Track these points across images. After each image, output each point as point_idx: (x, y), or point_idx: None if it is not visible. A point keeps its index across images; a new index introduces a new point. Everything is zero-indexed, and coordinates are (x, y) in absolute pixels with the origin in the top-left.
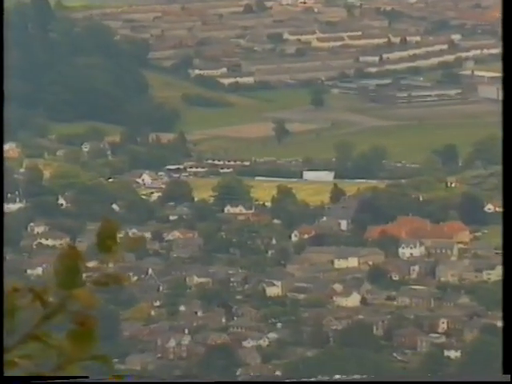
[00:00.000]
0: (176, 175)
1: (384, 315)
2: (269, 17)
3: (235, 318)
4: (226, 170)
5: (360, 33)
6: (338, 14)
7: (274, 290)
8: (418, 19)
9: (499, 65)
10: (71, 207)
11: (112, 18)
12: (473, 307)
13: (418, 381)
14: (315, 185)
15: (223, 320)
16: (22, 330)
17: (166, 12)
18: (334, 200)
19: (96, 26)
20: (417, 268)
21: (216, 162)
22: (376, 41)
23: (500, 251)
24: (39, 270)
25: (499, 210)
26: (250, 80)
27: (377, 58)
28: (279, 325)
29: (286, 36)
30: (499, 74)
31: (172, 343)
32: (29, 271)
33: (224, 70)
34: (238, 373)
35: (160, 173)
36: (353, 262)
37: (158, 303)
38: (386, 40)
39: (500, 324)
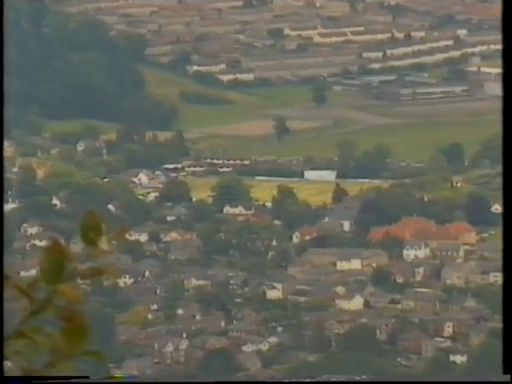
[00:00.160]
0: (173, 175)
1: (388, 319)
2: (269, 11)
3: (235, 322)
4: (225, 170)
5: (363, 28)
6: (340, 8)
7: (274, 293)
8: (423, 14)
9: None
10: (65, 208)
11: (107, 13)
12: (479, 310)
13: (418, 381)
14: (317, 184)
15: (222, 324)
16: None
17: (164, 6)
18: (336, 200)
19: (91, 21)
20: (421, 270)
21: (215, 161)
22: (379, 36)
23: None
24: (33, 272)
25: None
26: (249, 76)
27: (380, 54)
28: (280, 329)
29: (286, 31)
30: None
31: (169, 348)
32: (22, 273)
33: (223, 66)
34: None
35: (157, 172)
36: (356, 263)
37: (155, 306)
38: (389, 35)
39: None
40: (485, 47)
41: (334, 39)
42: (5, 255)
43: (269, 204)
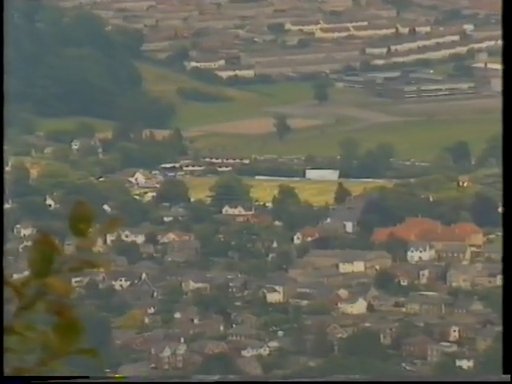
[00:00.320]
0: (171, 174)
1: (392, 323)
2: (270, 6)
3: (234, 326)
4: (224, 169)
5: (366, 23)
6: (342, 2)
7: (275, 296)
8: (429, 8)
9: None
10: (60, 208)
11: (103, 8)
12: (486, 314)
13: (418, 381)
14: (319, 184)
15: (221, 328)
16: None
17: (161, 1)
18: (338, 200)
19: (86, 16)
20: (427, 273)
21: (214, 160)
22: (383, 31)
23: None
24: (26, 275)
25: None
26: (249, 73)
27: (384, 50)
28: (281, 333)
29: (287, 26)
30: None
31: (167, 352)
32: (15, 276)
33: (222, 62)
34: None
35: (154, 171)
36: (359, 266)
37: (152, 310)
38: (393, 30)
39: None
40: (492, 43)
41: (336, 34)
42: None
43: (269, 204)
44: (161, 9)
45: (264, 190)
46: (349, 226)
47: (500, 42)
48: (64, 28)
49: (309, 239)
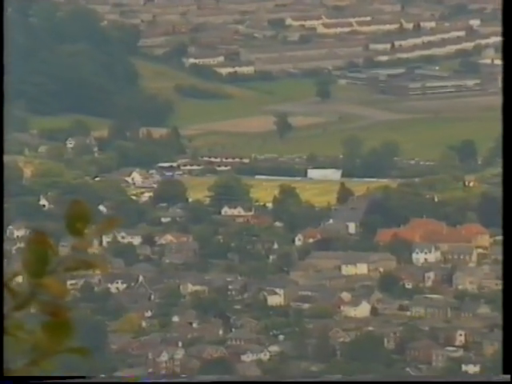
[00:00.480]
0: (169, 173)
1: (396, 327)
2: (270, 0)
3: (233, 330)
4: (223, 168)
5: (370, 18)
6: None
7: (275, 299)
8: (434, 3)
9: None
10: (54, 209)
11: (99, 2)
12: (493, 318)
13: (419, 381)
14: (321, 184)
15: (220, 332)
16: None
17: None
18: (341, 201)
19: (81, 11)
20: (432, 275)
21: (212, 159)
22: (387, 27)
23: None
24: (19, 278)
25: None
26: (249, 69)
27: (388, 46)
28: (281, 337)
29: (288, 21)
30: None
31: (164, 357)
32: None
33: (221, 58)
34: None
35: (151, 171)
36: (362, 268)
37: (149, 313)
38: (398, 26)
39: None
40: (499, 38)
41: (339, 30)
42: None
43: (270, 205)
44: (158, 3)
45: (264, 190)
46: (351, 227)
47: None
48: (58, 23)
49: (310, 240)
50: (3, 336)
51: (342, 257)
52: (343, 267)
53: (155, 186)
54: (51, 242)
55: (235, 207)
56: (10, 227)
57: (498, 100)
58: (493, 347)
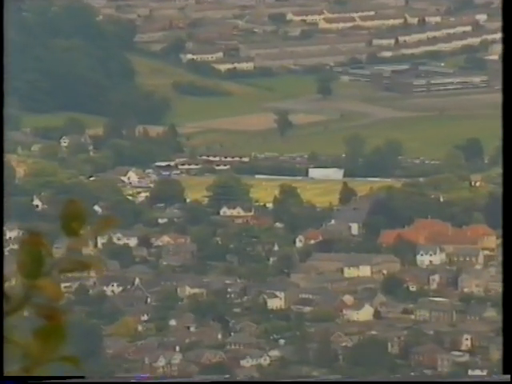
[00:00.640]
0: (166, 173)
1: (400, 331)
2: None
3: (232, 334)
4: (222, 167)
5: (373, 12)
6: None
7: (276, 302)
8: None
9: None
10: (48, 209)
11: None
12: (500, 322)
13: (419, 381)
14: (322, 184)
15: (219, 336)
16: None
17: None
18: (343, 201)
19: (76, 5)
20: (437, 277)
21: (211, 158)
22: (391, 21)
23: None
24: (12, 281)
25: None
26: (249, 66)
27: (392, 41)
28: (282, 341)
29: (289, 16)
30: None
31: (161, 362)
32: None
33: (220, 54)
34: None
35: (148, 170)
36: (365, 270)
37: (145, 317)
38: (402, 21)
39: None
40: None
41: (341, 25)
42: None
43: (270, 205)
44: None
45: (264, 190)
46: (354, 228)
47: None
48: (52, 18)
49: (312, 242)
50: (3, 336)
51: (345, 259)
52: (345, 269)
53: (152, 185)
54: (46, 243)
55: (234, 208)
56: (3, 228)
57: None
58: (500, 352)
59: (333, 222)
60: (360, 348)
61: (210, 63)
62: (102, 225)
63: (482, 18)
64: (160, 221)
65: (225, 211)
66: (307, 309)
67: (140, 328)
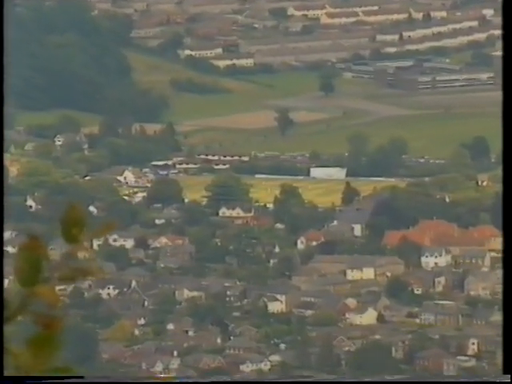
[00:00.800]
0: (163, 172)
1: (404, 335)
2: None
3: (232, 338)
4: (221, 167)
5: (377, 7)
6: None
7: (276, 306)
8: None
9: None
10: (42, 209)
11: None
12: None
13: (419, 381)
14: (324, 183)
15: (218, 340)
16: None
17: None
18: (346, 201)
19: (71, 0)
20: (442, 280)
21: (210, 157)
22: (395, 16)
23: None
24: (5, 282)
25: None
26: (249, 62)
27: (396, 37)
28: (283, 346)
29: (290, 11)
30: None
31: (159, 367)
32: None
33: (219, 50)
34: None
35: (145, 170)
36: (368, 272)
37: (142, 321)
38: (406, 15)
39: None
40: None
41: (343, 20)
42: None
43: (270, 205)
44: None
45: (265, 190)
46: (357, 229)
47: None
48: (47, 13)
49: (313, 243)
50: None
51: (347, 261)
52: (348, 272)
53: (149, 185)
54: (44, 248)
55: (234, 208)
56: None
57: None
58: None
59: (335, 222)
60: (363, 353)
61: (209, 59)
62: (101, 230)
63: (488, 12)
64: (157, 222)
65: (224, 212)
66: (309, 312)
67: (137, 332)
